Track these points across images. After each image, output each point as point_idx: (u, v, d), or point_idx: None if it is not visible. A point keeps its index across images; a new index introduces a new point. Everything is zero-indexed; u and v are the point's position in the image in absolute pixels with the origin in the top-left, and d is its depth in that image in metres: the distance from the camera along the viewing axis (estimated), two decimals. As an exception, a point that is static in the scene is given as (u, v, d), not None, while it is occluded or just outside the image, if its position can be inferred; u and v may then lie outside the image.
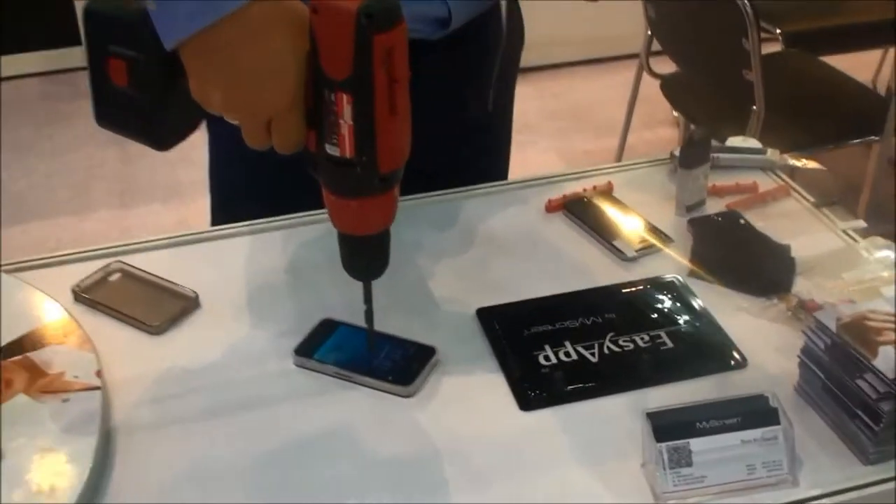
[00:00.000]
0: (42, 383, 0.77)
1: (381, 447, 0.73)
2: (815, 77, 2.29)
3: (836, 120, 2.10)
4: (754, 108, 1.86)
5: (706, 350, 0.81)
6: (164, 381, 0.79)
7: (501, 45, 1.04)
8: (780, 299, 0.84)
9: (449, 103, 1.02)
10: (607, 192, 1.02)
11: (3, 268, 0.91)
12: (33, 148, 2.98)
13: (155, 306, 0.87)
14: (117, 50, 0.68)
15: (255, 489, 0.69)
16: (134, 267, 0.92)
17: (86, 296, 0.88)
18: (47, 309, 0.85)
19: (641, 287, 0.89)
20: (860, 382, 0.69)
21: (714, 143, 1.03)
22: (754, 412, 0.68)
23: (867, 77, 2.94)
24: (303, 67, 0.65)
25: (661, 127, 3.02)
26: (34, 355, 0.79)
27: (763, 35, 1.86)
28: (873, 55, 3.00)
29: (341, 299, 0.86)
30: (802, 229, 0.96)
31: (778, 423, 0.68)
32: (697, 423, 0.68)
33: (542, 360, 0.80)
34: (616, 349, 0.81)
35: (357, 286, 0.76)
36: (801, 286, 0.87)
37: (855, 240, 0.93)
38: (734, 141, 1.09)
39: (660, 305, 0.86)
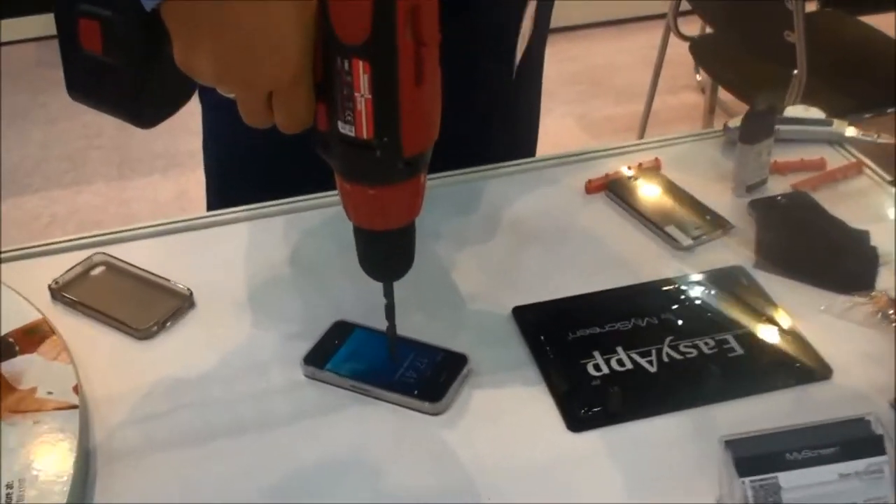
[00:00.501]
0: (10, 402, 0.66)
1: (405, 475, 0.62)
2: (853, 38, 2.16)
3: (880, 84, 1.97)
4: (795, 72, 1.73)
5: (783, 357, 0.70)
6: (153, 397, 0.69)
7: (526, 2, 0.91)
8: (864, 297, 0.73)
9: (470, 69, 0.89)
10: (655, 171, 0.91)
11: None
12: (28, 116, 2.88)
13: (143, 306, 0.76)
14: (88, 9, 0.58)
15: (259, 531, 0.59)
16: (119, 260, 0.81)
17: (64, 294, 0.77)
18: (18, 310, 0.74)
19: (701, 281, 0.77)
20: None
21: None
22: (854, 439, 0.57)
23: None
24: (310, 29, 0.54)
25: (684, 92, 2.89)
26: (2, 367, 0.69)
27: (800, -6, 1.73)
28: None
29: (356, 296, 0.76)
30: (880, 213, 0.84)
31: (883, 452, 0.57)
32: (787, 454, 0.57)
33: (591, 370, 0.69)
34: (677, 356, 0.70)
35: (375, 282, 0.65)
36: (886, 281, 0.75)
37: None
38: (793, 111, 0.97)
39: (724, 303, 0.74)
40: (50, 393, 0.67)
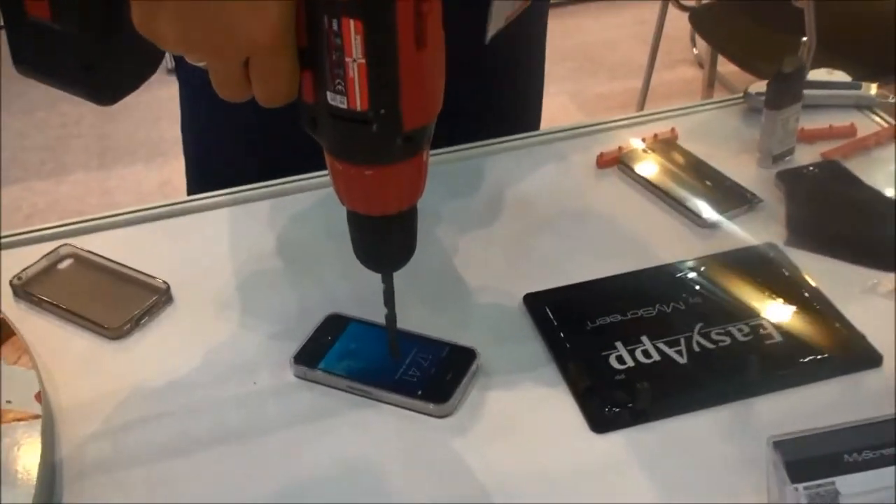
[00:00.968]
0: (-36, 414, 0.59)
1: (410, 486, 0.56)
2: (861, 2, 2.08)
3: (891, 49, 1.89)
4: (804, 39, 1.66)
5: (826, 344, 0.63)
6: (127, 404, 0.62)
7: None
8: (910, 274, 0.66)
9: (468, 31, 0.82)
10: (672, 142, 0.83)
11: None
12: (4, 105, 2.78)
13: (115, 303, 0.69)
14: (32, -34, 0.50)
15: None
16: (89, 252, 0.74)
17: (27, 290, 0.70)
18: (-25, 311, 0.67)
19: (730, 260, 0.70)
20: None
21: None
22: (919, 438, 0.51)
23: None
24: (292, -17, 0.46)
25: (680, 66, 2.82)
26: (-45, 375, 0.61)
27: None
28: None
29: (351, 287, 0.69)
30: (919, 182, 0.78)
31: (953, 452, 0.50)
32: (846, 456, 0.50)
33: (614, 363, 0.62)
34: (709, 345, 0.63)
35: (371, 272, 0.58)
36: (932, 256, 0.68)
37: None
38: (816, 74, 0.90)
39: (757, 285, 0.67)
40: (9, 402, 0.59)
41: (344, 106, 0.48)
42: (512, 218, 0.77)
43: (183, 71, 0.87)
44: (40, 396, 0.60)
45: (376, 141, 0.49)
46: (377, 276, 0.58)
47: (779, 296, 0.66)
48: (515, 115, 0.93)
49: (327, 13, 0.46)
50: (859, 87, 0.88)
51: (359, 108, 0.48)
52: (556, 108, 2.68)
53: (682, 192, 0.77)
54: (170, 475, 0.57)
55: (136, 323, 0.68)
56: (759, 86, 0.86)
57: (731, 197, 0.76)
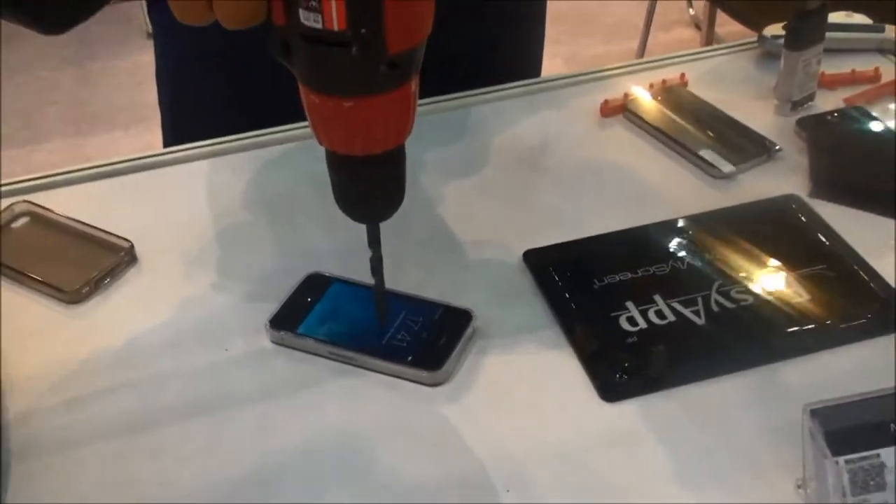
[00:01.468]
0: None
1: (398, 462, 0.50)
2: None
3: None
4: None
5: (857, 302, 0.57)
6: (84, 374, 0.56)
7: None
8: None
9: None
10: (681, 88, 0.77)
11: None
12: (-23, 72, 2.70)
13: (73, 264, 0.63)
14: None
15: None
16: (47, 209, 0.67)
17: (-23, 251, 0.64)
18: (-83, 273, 0.61)
19: (749, 213, 0.64)
20: None
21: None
22: (971, 404, 0.45)
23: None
24: None
25: (676, 27, 2.75)
26: None
27: None
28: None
29: (332, 244, 0.63)
30: (950, 128, 0.72)
31: None
32: (892, 425, 0.44)
33: (625, 325, 0.56)
34: (729, 304, 0.57)
35: (356, 225, 0.52)
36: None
37: None
38: (835, 17, 0.84)
39: (779, 239, 0.62)
40: (-49, 374, 0.53)
41: (319, 26, 0.41)
42: (510, 169, 0.71)
43: (155, 12, 0.81)
44: (-13, 366, 0.54)
45: (357, 68, 0.43)
46: (362, 232, 0.52)
47: (804, 251, 0.61)
48: (515, 64, 0.87)
49: None
50: (882, 30, 0.81)
51: (336, 29, 0.41)
52: (551, 70, 2.60)
53: (694, 141, 0.70)
54: (132, 452, 0.51)
55: (95, 285, 0.61)
56: (775, 28, 0.80)
57: (749, 146, 0.70)
